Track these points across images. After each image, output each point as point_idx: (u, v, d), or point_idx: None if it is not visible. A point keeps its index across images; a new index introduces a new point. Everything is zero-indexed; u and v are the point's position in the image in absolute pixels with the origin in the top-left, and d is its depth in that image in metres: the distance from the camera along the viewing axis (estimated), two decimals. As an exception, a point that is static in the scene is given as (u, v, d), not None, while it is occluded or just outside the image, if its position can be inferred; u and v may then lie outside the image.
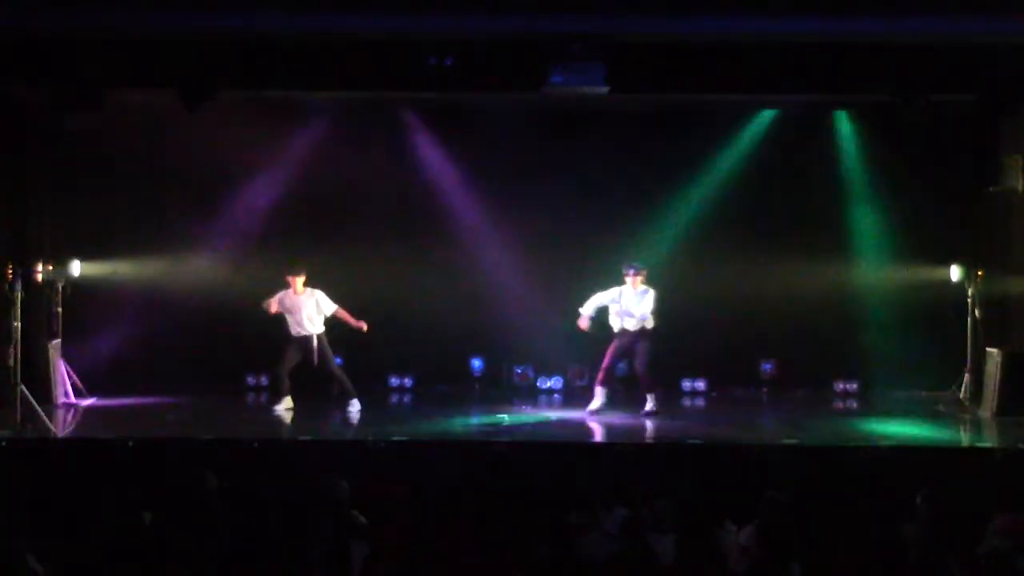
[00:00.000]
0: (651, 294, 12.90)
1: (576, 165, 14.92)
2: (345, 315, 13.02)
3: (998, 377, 12.99)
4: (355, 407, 12.95)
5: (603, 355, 14.76)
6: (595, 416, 12.94)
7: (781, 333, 14.66)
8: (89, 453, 10.88)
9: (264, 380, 13.27)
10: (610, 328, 13.06)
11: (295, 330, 12.90)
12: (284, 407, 12.85)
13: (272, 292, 12.98)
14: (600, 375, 13.19)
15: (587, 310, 13.00)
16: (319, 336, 12.94)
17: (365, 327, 13.01)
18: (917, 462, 10.65)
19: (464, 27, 11.38)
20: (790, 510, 8.38)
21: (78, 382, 13.71)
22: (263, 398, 14.01)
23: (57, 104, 12.55)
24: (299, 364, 12.93)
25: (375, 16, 11.17)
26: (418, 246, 14.87)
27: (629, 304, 12.90)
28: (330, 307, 13.00)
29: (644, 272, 12.92)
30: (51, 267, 13.75)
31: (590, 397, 13.56)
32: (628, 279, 12.90)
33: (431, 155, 14.85)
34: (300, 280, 12.93)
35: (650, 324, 12.89)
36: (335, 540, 7.46)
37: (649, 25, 11.29)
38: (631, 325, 12.92)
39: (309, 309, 12.92)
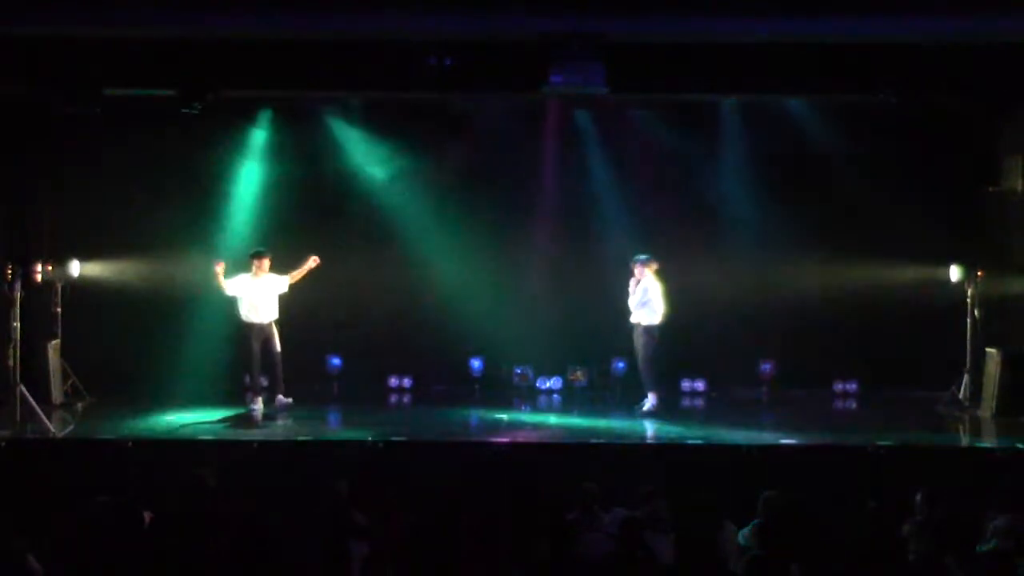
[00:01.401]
0: (642, 287, 12.89)
1: (576, 165, 14.92)
2: (299, 272, 12.98)
3: (998, 377, 12.99)
4: (282, 401, 12.91)
5: (604, 356, 14.81)
6: (645, 417, 12.92)
7: (781, 333, 14.65)
8: (89, 453, 10.88)
9: (263, 381, 13.24)
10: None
11: (251, 316, 12.84)
12: (260, 405, 12.82)
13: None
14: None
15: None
16: (272, 323, 12.91)
17: (316, 261, 12.95)
18: (917, 462, 10.65)
19: (464, 27, 11.37)
20: (790, 510, 8.39)
21: (77, 382, 13.71)
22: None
23: (57, 104, 12.56)
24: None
25: (375, 16, 11.16)
26: (418, 246, 14.85)
27: (632, 297, 12.92)
28: (285, 281, 12.99)
29: (640, 264, 12.90)
30: (51, 267, 13.75)
31: (589, 398, 13.56)
32: (649, 272, 12.94)
33: (432, 155, 14.83)
34: (266, 263, 12.89)
35: (644, 319, 12.88)
36: (335, 540, 7.46)
37: (649, 25, 11.28)
38: (633, 318, 12.94)
39: (269, 294, 12.90)
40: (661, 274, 13.05)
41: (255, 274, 12.88)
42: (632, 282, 13.00)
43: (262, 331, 12.86)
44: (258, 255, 12.92)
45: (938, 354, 14.04)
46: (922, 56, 11.91)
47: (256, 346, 12.86)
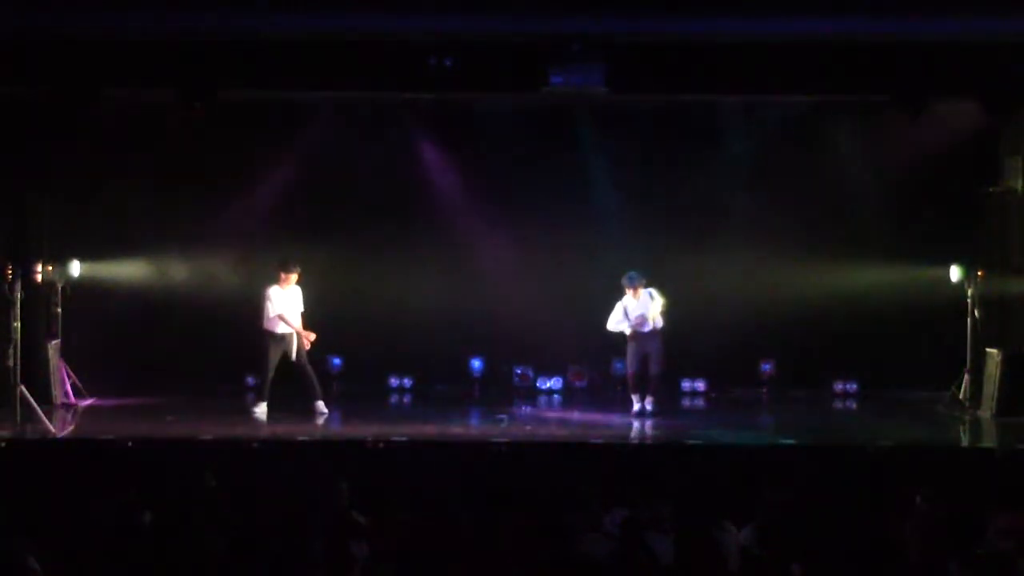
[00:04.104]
0: (656, 296, 12.92)
1: (576, 165, 14.92)
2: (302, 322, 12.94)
3: (998, 377, 13.00)
4: (321, 408, 12.86)
5: (604, 356, 14.80)
6: (637, 420, 12.91)
7: (781, 333, 14.65)
8: (89, 453, 10.88)
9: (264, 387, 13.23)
10: (622, 333, 13.11)
11: (279, 327, 12.77)
12: (263, 410, 12.73)
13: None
14: (631, 382, 13.18)
15: (615, 327, 13.06)
16: (297, 332, 12.86)
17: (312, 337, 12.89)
18: (917, 462, 10.65)
19: (464, 27, 11.38)
20: (790, 510, 8.39)
21: (78, 382, 13.71)
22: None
23: (57, 104, 12.56)
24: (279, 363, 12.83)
25: (375, 16, 11.17)
26: (418, 246, 14.86)
27: (636, 313, 12.93)
28: (301, 306, 12.94)
29: (643, 283, 12.94)
30: (51, 267, 13.75)
31: (589, 398, 13.54)
32: (628, 292, 12.94)
33: (431, 155, 14.83)
34: (294, 276, 12.86)
35: (660, 323, 12.91)
36: (335, 540, 7.46)
37: (649, 25, 11.29)
38: (645, 329, 12.96)
39: (295, 305, 12.87)
40: (659, 275, 13.08)
41: (282, 285, 12.81)
42: (634, 301, 12.94)
43: (283, 341, 12.80)
44: (286, 267, 12.85)
45: (938, 354, 14.05)
46: (923, 56, 11.91)
47: (276, 355, 12.79)
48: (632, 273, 13.01)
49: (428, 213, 14.91)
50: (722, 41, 11.81)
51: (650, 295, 12.95)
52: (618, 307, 13.04)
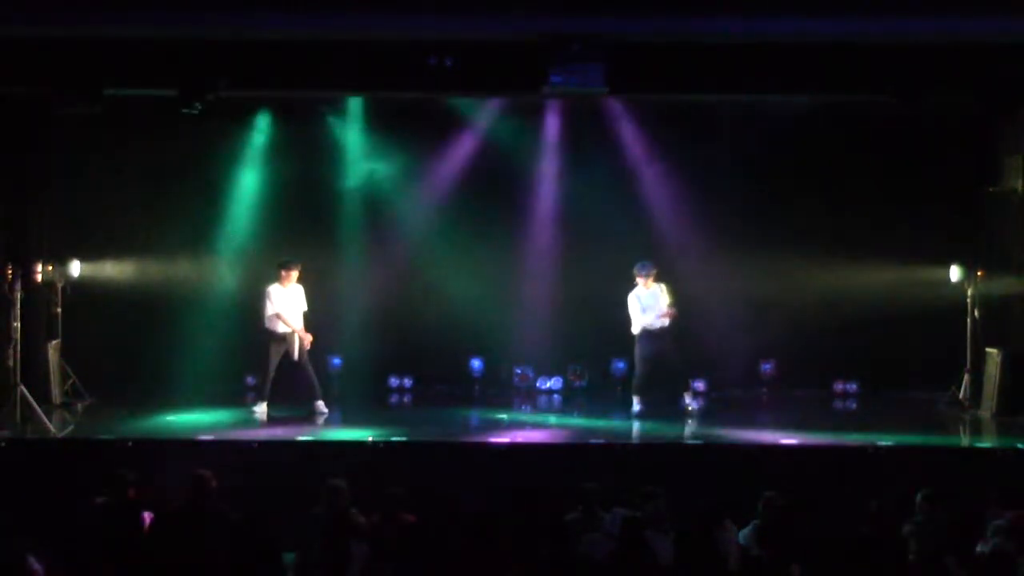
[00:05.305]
0: (665, 292, 12.93)
1: (576, 165, 14.92)
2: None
3: (998, 377, 13.01)
4: (321, 408, 12.85)
5: (604, 355, 14.79)
6: (639, 421, 12.89)
7: (781, 333, 14.64)
8: (89, 453, 10.88)
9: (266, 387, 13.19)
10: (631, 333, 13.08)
11: (280, 327, 12.77)
12: (263, 410, 12.71)
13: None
14: (636, 384, 13.16)
15: (642, 322, 12.92)
16: (299, 332, 12.84)
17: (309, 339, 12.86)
18: (917, 462, 10.66)
19: (464, 27, 11.38)
20: (790, 510, 8.39)
21: (78, 382, 13.70)
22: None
23: (57, 104, 12.55)
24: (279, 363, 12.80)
25: (375, 16, 11.17)
26: (418, 246, 14.85)
27: (650, 304, 12.90)
28: (304, 305, 12.93)
29: (654, 272, 12.93)
30: (51, 267, 13.75)
31: (589, 398, 13.53)
32: (640, 280, 12.91)
33: (431, 155, 14.82)
34: (295, 274, 12.84)
35: (666, 322, 12.90)
36: (335, 540, 7.47)
37: (649, 25, 11.28)
38: (656, 325, 12.92)
39: (296, 304, 12.86)
40: (659, 276, 13.07)
41: (283, 283, 12.79)
42: (647, 291, 12.95)
43: (284, 340, 12.77)
44: (286, 265, 12.82)
45: (938, 354, 14.04)
46: (922, 56, 11.90)
47: (277, 355, 12.74)
48: (644, 261, 13.00)
49: (428, 213, 14.89)
50: (722, 41, 11.80)
51: (659, 289, 12.94)
52: (632, 300, 12.93)
